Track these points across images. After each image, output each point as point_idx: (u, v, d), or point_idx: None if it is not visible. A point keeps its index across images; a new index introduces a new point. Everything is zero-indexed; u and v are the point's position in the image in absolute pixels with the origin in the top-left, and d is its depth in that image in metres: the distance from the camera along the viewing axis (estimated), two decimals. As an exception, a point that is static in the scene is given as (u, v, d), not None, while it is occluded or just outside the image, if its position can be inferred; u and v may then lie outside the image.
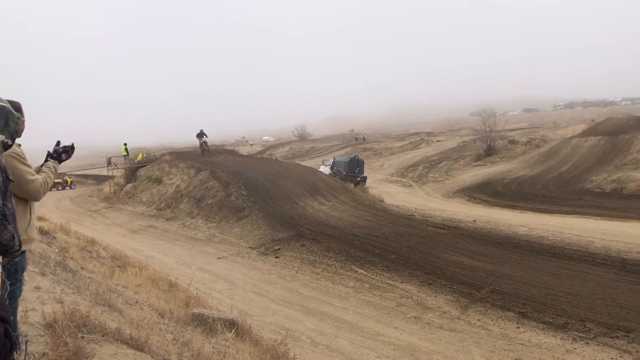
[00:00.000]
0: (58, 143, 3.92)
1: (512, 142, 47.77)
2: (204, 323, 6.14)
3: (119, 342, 4.15)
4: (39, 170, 3.65)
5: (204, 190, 25.47)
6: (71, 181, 46.79)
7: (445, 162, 46.20)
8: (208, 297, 10.34)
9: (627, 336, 8.42)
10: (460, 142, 55.20)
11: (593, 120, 64.47)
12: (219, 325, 6.10)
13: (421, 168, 45.64)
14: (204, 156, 31.71)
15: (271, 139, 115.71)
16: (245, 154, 49.46)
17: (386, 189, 36.67)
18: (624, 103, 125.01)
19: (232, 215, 21.56)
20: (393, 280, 12.55)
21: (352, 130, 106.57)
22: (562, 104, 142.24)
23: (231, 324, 6.30)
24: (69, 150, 3.93)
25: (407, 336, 9.37)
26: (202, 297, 9.28)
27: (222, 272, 14.80)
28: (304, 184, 25.95)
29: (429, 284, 12.01)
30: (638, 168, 30.44)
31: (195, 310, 6.58)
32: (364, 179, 35.60)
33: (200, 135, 32.57)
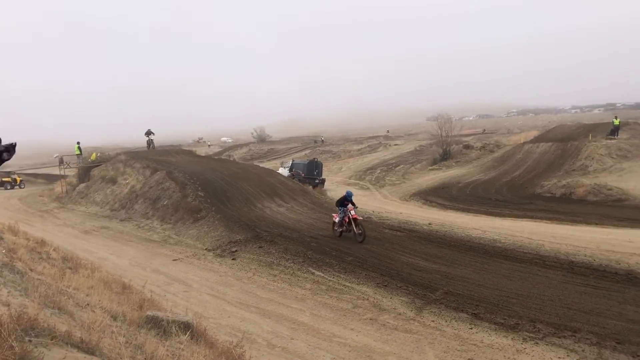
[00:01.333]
0: None
1: (467, 147, 48.77)
2: (158, 326, 6.02)
3: (69, 346, 4.02)
4: None
5: (160, 191, 25.03)
6: (20, 180, 45.37)
7: (402, 165, 46.80)
8: (163, 299, 10.18)
9: (574, 336, 8.72)
10: (417, 146, 56.04)
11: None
12: (174, 328, 6.00)
13: (379, 171, 46.09)
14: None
15: (229, 140, 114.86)
16: (203, 154, 48.85)
17: (344, 191, 36.79)
18: (573, 111, 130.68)
19: (188, 217, 21.26)
20: (350, 282, 12.63)
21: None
22: (515, 110, 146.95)
23: (186, 327, 6.20)
24: (10, 149, 3.71)
25: (362, 337, 9.45)
26: (157, 300, 9.11)
27: (178, 274, 14.58)
28: (262, 186, 25.80)
29: (385, 285, 12.14)
30: (586, 174, 31.64)
31: (150, 313, 6.45)
32: (323, 182, 35.63)
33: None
